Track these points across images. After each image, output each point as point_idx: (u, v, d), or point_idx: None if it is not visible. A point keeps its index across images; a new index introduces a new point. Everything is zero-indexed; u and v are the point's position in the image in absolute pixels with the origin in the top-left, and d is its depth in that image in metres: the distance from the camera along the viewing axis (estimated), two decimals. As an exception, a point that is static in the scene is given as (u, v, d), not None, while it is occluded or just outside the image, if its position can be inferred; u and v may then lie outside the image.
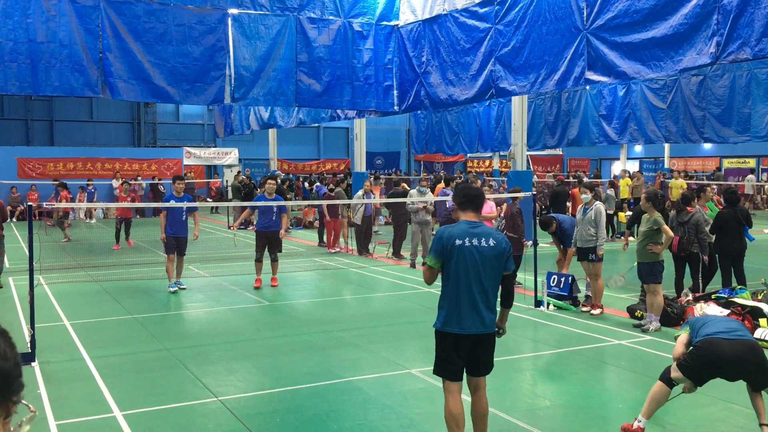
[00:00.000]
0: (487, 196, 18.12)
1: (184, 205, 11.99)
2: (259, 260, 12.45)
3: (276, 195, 12.60)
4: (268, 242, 12.38)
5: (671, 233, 9.26)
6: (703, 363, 5.21)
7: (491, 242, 4.72)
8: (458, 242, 4.67)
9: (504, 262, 4.80)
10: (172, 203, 11.91)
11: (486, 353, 4.85)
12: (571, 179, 28.69)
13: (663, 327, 9.07)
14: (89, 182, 28.43)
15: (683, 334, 5.55)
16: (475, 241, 4.68)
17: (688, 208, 10.44)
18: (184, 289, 12.21)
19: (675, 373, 5.33)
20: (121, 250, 17.56)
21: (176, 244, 12.00)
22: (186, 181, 30.18)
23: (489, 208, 12.79)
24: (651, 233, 9.21)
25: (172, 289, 11.98)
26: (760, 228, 20.20)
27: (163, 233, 11.93)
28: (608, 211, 16.43)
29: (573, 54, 12.40)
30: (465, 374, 4.89)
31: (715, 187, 26.63)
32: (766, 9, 9.23)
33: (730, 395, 6.50)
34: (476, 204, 4.90)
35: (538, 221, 11.51)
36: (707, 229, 10.51)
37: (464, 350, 4.75)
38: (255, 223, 13.63)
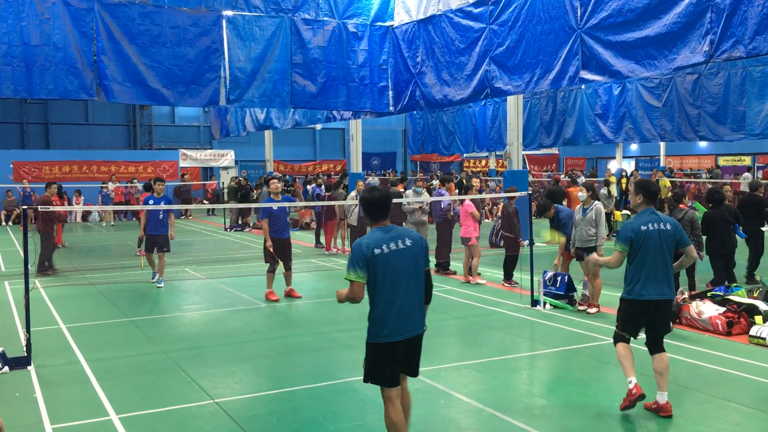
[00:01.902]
0: (484, 196, 18.15)
1: (162, 207, 12.31)
2: (272, 271, 11.33)
3: (283, 195, 11.75)
4: (282, 250, 11.37)
5: None
6: (636, 322, 6.17)
7: (408, 242, 4.76)
8: (377, 251, 4.64)
9: (424, 258, 4.88)
10: (152, 204, 12.60)
11: (419, 352, 4.93)
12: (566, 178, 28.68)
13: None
14: (104, 185, 28.51)
15: (618, 254, 6.14)
16: (393, 245, 4.69)
17: (681, 206, 10.46)
18: (160, 287, 12.59)
19: (621, 332, 6.19)
20: (118, 253, 17.53)
21: (154, 241, 12.66)
22: (182, 183, 30.38)
23: (471, 207, 12.73)
24: None
25: (153, 280, 12.80)
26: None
27: (143, 231, 12.78)
28: (605, 210, 16.40)
29: (567, 53, 12.41)
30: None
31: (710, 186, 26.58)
32: (759, 7, 9.26)
33: (727, 393, 6.52)
34: (385, 210, 4.86)
35: (536, 205, 11.46)
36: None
37: (400, 355, 4.79)
38: (251, 225, 13.33)
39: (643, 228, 5.98)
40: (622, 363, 6.11)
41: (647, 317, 6.08)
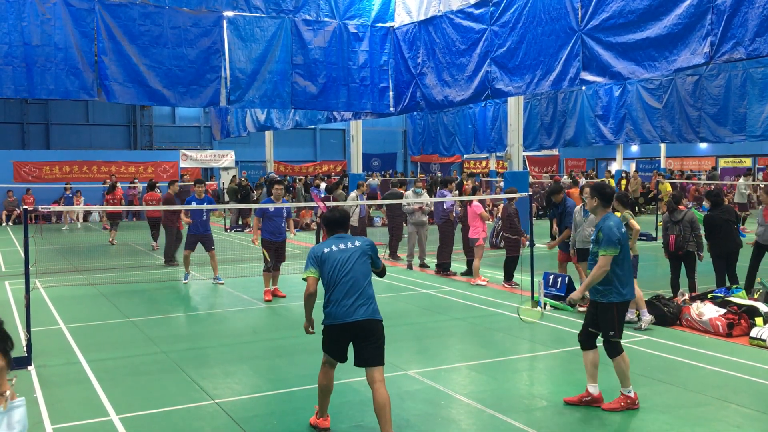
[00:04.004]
0: (484, 197, 18.14)
1: (205, 207, 12.66)
2: (268, 270, 11.44)
3: (283, 200, 11.87)
4: (276, 252, 11.51)
5: (638, 226, 9.27)
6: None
7: (356, 243, 5.60)
8: (326, 250, 5.53)
9: (370, 257, 5.57)
10: (194, 205, 12.71)
11: (370, 341, 5.37)
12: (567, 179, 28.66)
13: (659, 326, 9.10)
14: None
15: (609, 258, 6.02)
16: (341, 245, 5.55)
17: (680, 207, 10.46)
18: (222, 284, 12.80)
19: (619, 338, 6.17)
20: (118, 254, 17.52)
21: (199, 241, 12.99)
22: (180, 183, 30.36)
23: (480, 209, 12.77)
24: None
25: (185, 281, 12.97)
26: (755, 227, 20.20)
27: (188, 218, 12.95)
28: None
29: (568, 54, 12.42)
30: (363, 368, 5.45)
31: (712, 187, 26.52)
32: (760, 9, 9.26)
33: (727, 395, 6.52)
34: (342, 226, 5.74)
35: (548, 188, 11.42)
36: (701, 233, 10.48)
37: (347, 339, 5.44)
38: (251, 225, 13.47)
39: (622, 230, 6.13)
40: (626, 373, 6.16)
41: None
